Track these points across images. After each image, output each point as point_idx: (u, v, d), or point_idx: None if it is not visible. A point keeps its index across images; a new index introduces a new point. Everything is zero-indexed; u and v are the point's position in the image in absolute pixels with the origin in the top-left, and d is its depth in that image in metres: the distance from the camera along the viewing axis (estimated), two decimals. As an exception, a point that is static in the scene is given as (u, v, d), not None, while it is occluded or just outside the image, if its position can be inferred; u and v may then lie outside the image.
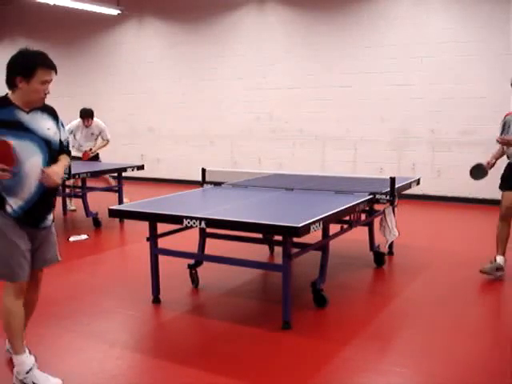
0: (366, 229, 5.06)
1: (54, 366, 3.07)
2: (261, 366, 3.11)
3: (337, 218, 3.87)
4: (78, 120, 7.67)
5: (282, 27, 9.46)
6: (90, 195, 6.83)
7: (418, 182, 5.47)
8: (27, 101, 2.78)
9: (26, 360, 2.83)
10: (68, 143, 3.08)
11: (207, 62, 10.27)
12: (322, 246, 4.09)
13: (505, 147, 4.85)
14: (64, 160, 3.00)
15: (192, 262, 4.48)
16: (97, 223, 6.77)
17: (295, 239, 3.60)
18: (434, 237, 6.28)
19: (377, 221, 4.90)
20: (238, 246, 4.86)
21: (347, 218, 4.34)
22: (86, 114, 7.57)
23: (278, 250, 4.69)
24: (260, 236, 4.71)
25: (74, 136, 7.68)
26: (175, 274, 4.57)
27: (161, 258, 4.10)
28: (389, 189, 4.41)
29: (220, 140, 10.29)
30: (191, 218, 3.53)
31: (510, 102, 5.15)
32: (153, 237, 4.03)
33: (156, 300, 4.10)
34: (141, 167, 7.26)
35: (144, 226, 4.08)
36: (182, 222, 3.59)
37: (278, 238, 3.94)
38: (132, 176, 8.13)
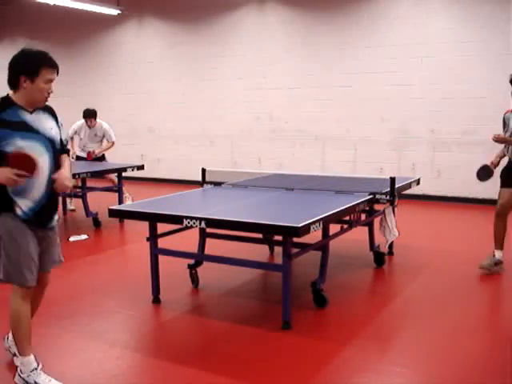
0: (365, 229, 5.06)
1: (54, 366, 3.07)
2: (261, 366, 3.11)
3: (337, 217, 3.87)
4: (82, 121, 7.69)
5: (282, 27, 9.46)
6: (89, 195, 6.83)
7: (418, 182, 5.47)
8: (31, 101, 2.77)
9: (32, 361, 2.83)
10: (67, 142, 3.09)
11: (207, 62, 10.27)
12: (322, 246, 4.09)
13: (507, 145, 4.87)
14: (67, 161, 3.02)
15: (192, 262, 4.48)
16: (97, 223, 6.77)
17: (295, 239, 3.60)
18: (433, 237, 6.28)
19: (377, 221, 4.90)
20: (238, 246, 4.86)
21: (347, 217, 4.34)
22: (89, 115, 7.58)
23: (278, 250, 4.69)
24: (260, 236, 4.71)
25: (79, 136, 7.73)
26: (175, 273, 4.57)
27: (161, 257, 4.10)
28: (389, 189, 4.41)
29: (220, 140, 10.29)
30: (191, 218, 3.53)
31: (510, 102, 5.15)
32: (153, 237, 4.03)
33: (156, 300, 4.10)
34: (141, 167, 7.26)
35: (144, 226, 4.07)
36: (182, 222, 3.59)
37: (278, 238, 3.94)
38: (132, 176, 8.13)
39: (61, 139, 2.96)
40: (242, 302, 4.20)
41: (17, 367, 2.85)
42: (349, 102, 8.95)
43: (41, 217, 2.84)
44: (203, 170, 5.08)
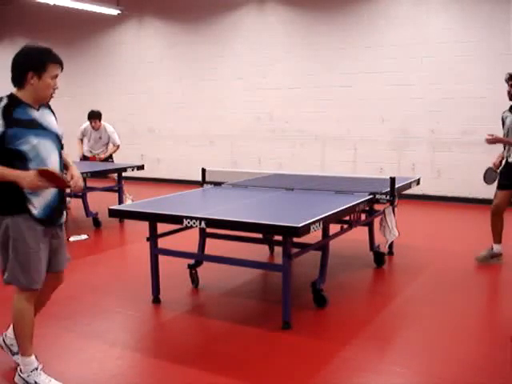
0: (366, 229, 5.06)
1: (54, 366, 3.07)
2: (261, 366, 3.11)
3: (337, 217, 3.87)
4: (87, 123, 7.73)
5: (282, 27, 9.46)
6: (89, 195, 6.83)
7: (418, 182, 5.47)
8: (38, 97, 2.77)
9: (33, 361, 2.83)
10: (62, 138, 3.08)
11: (207, 62, 10.27)
12: (322, 246, 4.09)
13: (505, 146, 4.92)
14: (69, 158, 3.03)
15: (192, 261, 4.48)
16: (97, 223, 6.77)
17: (295, 239, 3.59)
18: (433, 237, 6.28)
19: (377, 221, 4.90)
20: (238, 246, 4.86)
21: (347, 217, 4.34)
22: (93, 116, 7.61)
23: (278, 250, 4.68)
24: (260, 236, 4.71)
25: (88, 139, 7.80)
26: (175, 273, 4.57)
27: (161, 257, 4.10)
28: (389, 189, 4.41)
29: (220, 140, 10.29)
30: (191, 218, 3.53)
31: (510, 102, 5.18)
32: (153, 237, 4.03)
33: (156, 300, 4.10)
34: (141, 167, 7.27)
35: (144, 226, 4.07)
36: (182, 222, 3.59)
37: (278, 238, 3.93)
38: (132, 176, 8.13)
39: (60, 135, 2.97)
40: (242, 302, 4.20)
41: (17, 367, 2.84)
42: (349, 102, 8.95)
43: (53, 214, 2.84)
44: (203, 170, 5.08)
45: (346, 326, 3.68)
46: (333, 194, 4.52)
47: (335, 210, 3.77)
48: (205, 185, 5.07)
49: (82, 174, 6.35)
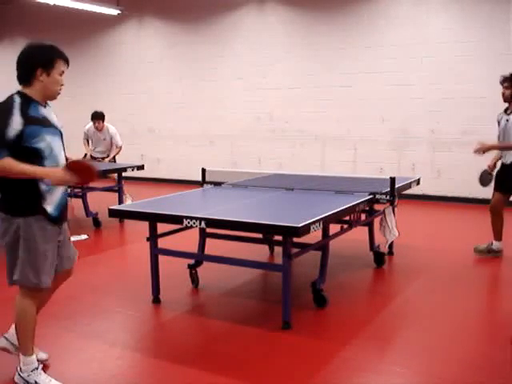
0: (366, 229, 5.06)
1: (54, 366, 3.08)
2: (261, 366, 3.11)
3: (337, 217, 3.87)
4: (90, 124, 7.75)
5: (282, 27, 9.46)
6: (89, 195, 6.83)
7: (418, 182, 5.47)
8: (46, 94, 2.77)
9: (33, 361, 2.83)
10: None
11: (207, 62, 10.27)
12: (322, 246, 4.09)
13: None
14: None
15: (192, 261, 4.48)
16: (97, 223, 6.77)
17: (295, 239, 3.59)
18: (434, 237, 6.28)
19: (377, 221, 4.90)
20: (238, 246, 4.86)
21: (347, 217, 4.34)
22: (97, 117, 7.65)
23: (278, 250, 4.68)
24: (260, 236, 4.71)
25: (91, 140, 7.84)
26: (175, 273, 4.57)
27: (161, 257, 4.10)
28: (389, 189, 4.41)
29: (220, 140, 10.29)
30: (191, 218, 3.53)
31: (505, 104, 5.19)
32: (153, 237, 4.03)
33: (156, 300, 4.10)
34: (141, 167, 7.27)
35: (144, 226, 4.07)
36: (182, 222, 3.59)
37: (278, 238, 3.93)
38: (132, 176, 8.13)
39: None
40: (242, 302, 4.20)
41: (17, 367, 2.84)
42: (349, 102, 8.95)
43: (64, 211, 2.88)
44: (203, 170, 5.08)
45: (346, 326, 3.68)
46: (333, 194, 4.52)
47: (335, 210, 3.77)
48: (205, 185, 5.07)
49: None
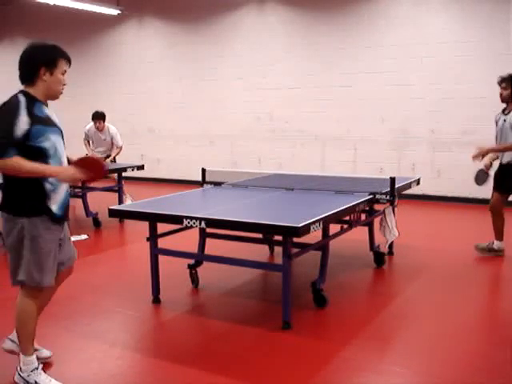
0: (366, 229, 5.06)
1: (54, 366, 3.08)
2: (261, 366, 3.11)
3: (337, 217, 3.87)
4: (91, 124, 7.75)
5: (282, 27, 9.46)
6: (89, 195, 6.83)
7: (418, 182, 5.47)
8: (49, 94, 2.79)
9: (33, 361, 2.83)
10: None
11: (207, 62, 10.27)
12: (322, 246, 4.09)
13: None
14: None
15: (192, 261, 4.48)
16: (97, 223, 6.77)
17: (295, 239, 3.59)
18: (434, 237, 6.28)
19: (377, 221, 4.90)
20: (238, 246, 4.86)
21: (347, 217, 4.34)
22: (98, 117, 7.65)
23: (278, 250, 4.68)
24: (260, 236, 4.71)
25: (92, 140, 7.84)
26: (175, 273, 4.57)
27: (161, 257, 4.10)
28: (389, 189, 4.41)
29: (220, 140, 10.29)
30: (191, 218, 3.53)
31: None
32: (153, 237, 4.03)
33: (156, 300, 4.10)
34: (141, 167, 7.27)
35: (144, 226, 4.07)
36: (182, 222, 3.59)
37: (278, 238, 3.93)
38: (132, 176, 8.13)
39: None
40: (242, 302, 4.20)
41: (17, 367, 2.84)
42: (349, 102, 8.95)
43: (67, 211, 2.90)
44: (203, 170, 5.08)
45: (346, 326, 3.68)
46: (333, 194, 4.52)
47: (335, 210, 3.77)
48: (205, 185, 5.07)
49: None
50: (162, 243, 4.13)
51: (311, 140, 9.35)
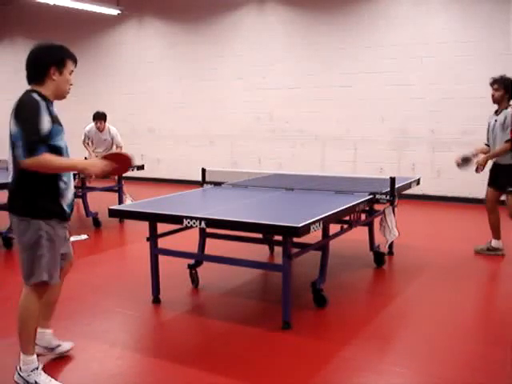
0: (366, 229, 5.06)
1: (54, 366, 3.07)
2: (261, 366, 3.11)
3: (337, 217, 3.87)
4: (91, 125, 7.75)
5: (282, 27, 9.46)
6: (89, 195, 6.83)
7: (418, 181, 5.48)
8: (58, 93, 2.83)
9: (34, 360, 2.83)
10: None
11: (207, 62, 10.27)
12: (322, 246, 4.09)
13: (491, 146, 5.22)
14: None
15: (192, 261, 4.48)
16: (97, 223, 6.77)
17: (295, 239, 3.59)
18: (433, 237, 6.28)
19: (377, 221, 4.90)
20: (238, 246, 4.86)
21: (347, 217, 4.34)
22: (99, 117, 7.65)
23: (278, 249, 4.69)
24: (260, 236, 4.71)
25: (92, 141, 7.83)
26: (175, 273, 4.57)
27: (161, 257, 4.10)
28: (389, 189, 4.41)
29: (220, 140, 10.29)
30: (191, 218, 3.53)
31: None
32: (153, 237, 4.03)
33: (156, 300, 4.10)
34: (141, 167, 7.27)
35: (144, 226, 4.07)
36: (182, 222, 3.59)
37: (278, 238, 3.93)
38: (132, 176, 8.12)
39: None
40: (242, 302, 4.20)
41: (16, 366, 2.84)
42: (349, 102, 8.95)
43: (72, 209, 2.96)
44: (203, 170, 5.08)
45: (346, 325, 3.68)
46: (333, 194, 4.52)
47: (335, 210, 3.77)
48: (205, 185, 5.07)
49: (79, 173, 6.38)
50: (162, 243, 4.13)
51: (311, 140, 9.35)
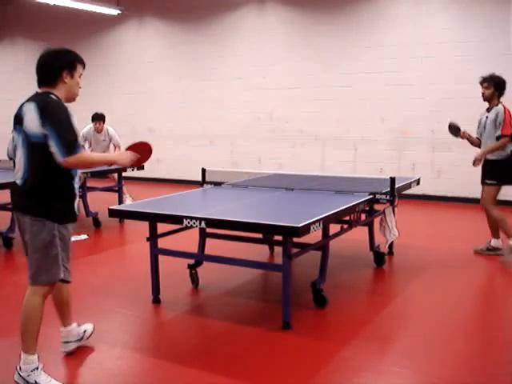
0: (366, 229, 5.06)
1: (54, 366, 3.08)
2: (261, 366, 3.11)
3: (337, 217, 3.87)
4: (89, 126, 7.75)
5: (282, 27, 9.46)
6: (89, 195, 6.83)
7: (417, 181, 5.48)
8: (69, 96, 2.90)
9: (35, 360, 2.83)
10: None
11: (207, 62, 10.27)
12: (322, 246, 4.09)
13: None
14: None
15: (192, 261, 4.48)
16: (97, 223, 6.77)
17: (295, 239, 3.59)
18: (433, 237, 6.28)
19: (377, 221, 4.90)
20: (238, 246, 4.86)
21: (347, 217, 4.34)
22: (98, 118, 7.67)
23: (278, 250, 4.69)
24: (260, 236, 4.71)
25: (89, 142, 7.84)
26: (175, 273, 4.57)
27: (161, 257, 4.10)
28: (389, 189, 4.41)
29: (220, 140, 10.29)
30: (191, 218, 3.53)
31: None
32: (153, 237, 4.03)
33: (156, 300, 4.10)
34: (141, 167, 7.25)
35: (144, 226, 4.07)
36: (182, 222, 3.59)
37: (278, 238, 3.93)
38: (132, 176, 8.13)
39: None
40: (242, 302, 4.20)
41: (17, 366, 2.84)
42: (349, 102, 8.95)
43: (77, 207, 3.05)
44: (203, 170, 5.08)
45: (346, 326, 3.68)
46: (333, 194, 4.52)
47: (335, 210, 3.77)
48: (205, 185, 5.07)
49: (83, 173, 6.40)
50: (162, 243, 4.13)
51: (311, 140, 9.35)
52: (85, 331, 3.35)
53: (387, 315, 3.89)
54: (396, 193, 4.45)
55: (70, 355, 3.24)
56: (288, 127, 9.53)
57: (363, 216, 4.82)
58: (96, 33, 11.45)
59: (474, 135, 5.52)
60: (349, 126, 9.00)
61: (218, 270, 4.66)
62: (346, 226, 4.39)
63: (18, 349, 2.88)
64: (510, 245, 5.11)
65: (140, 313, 3.94)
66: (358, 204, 4.16)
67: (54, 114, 2.72)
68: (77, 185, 2.95)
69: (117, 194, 7.16)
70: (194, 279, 4.47)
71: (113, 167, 7.16)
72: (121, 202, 7.05)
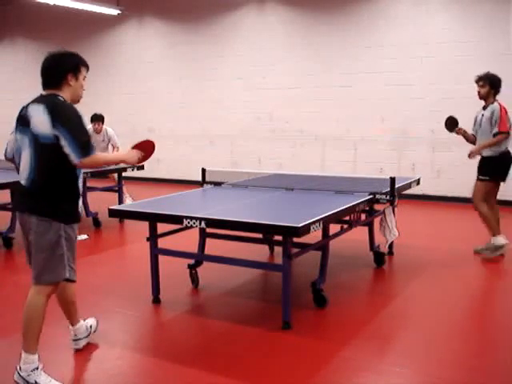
0: (366, 229, 5.06)
1: (54, 365, 3.07)
2: (261, 366, 3.11)
3: (337, 217, 3.87)
4: (89, 126, 7.74)
5: (282, 27, 9.46)
6: (89, 195, 6.83)
7: (417, 181, 5.48)
8: (73, 98, 2.94)
9: (35, 360, 2.83)
10: None
11: (207, 62, 10.27)
12: (322, 246, 4.09)
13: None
14: None
15: (192, 261, 4.48)
16: (97, 223, 6.77)
17: (295, 239, 3.59)
18: (433, 237, 6.28)
19: (377, 221, 4.90)
20: (238, 246, 4.86)
21: (347, 217, 4.34)
22: (97, 119, 7.68)
23: (278, 249, 4.69)
24: (260, 236, 4.71)
25: None
26: (175, 273, 4.57)
27: (161, 257, 4.10)
28: (389, 189, 4.41)
29: (220, 140, 10.29)
30: (191, 218, 3.53)
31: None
32: (153, 237, 4.03)
33: (156, 300, 4.10)
34: (141, 167, 7.26)
35: (144, 226, 4.07)
36: (182, 222, 3.59)
37: (278, 238, 3.93)
38: (132, 176, 8.13)
39: None
40: (242, 302, 4.20)
41: (17, 366, 2.84)
42: (349, 102, 8.95)
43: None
44: (203, 170, 5.08)
45: (346, 326, 3.68)
46: (333, 194, 4.52)
47: (335, 210, 3.77)
48: (205, 185, 5.07)
49: (83, 173, 6.39)
50: (162, 243, 4.13)
51: (311, 140, 9.34)
52: (91, 326, 3.41)
53: (387, 315, 3.89)
54: (396, 193, 4.45)
55: (69, 355, 3.24)
56: (288, 127, 9.53)
57: (363, 216, 4.82)
58: (96, 33, 11.45)
59: (470, 132, 5.53)
60: (349, 126, 8.99)
61: (218, 270, 4.67)
62: (345, 226, 4.39)
63: (18, 349, 2.88)
64: (492, 244, 5.19)
65: (140, 313, 3.94)
66: (358, 204, 4.16)
67: (65, 116, 2.75)
68: (80, 185, 2.97)
69: (117, 194, 7.16)
70: (194, 279, 4.47)
71: (113, 167, 7.18)
72: (121, 202, 7.05)
